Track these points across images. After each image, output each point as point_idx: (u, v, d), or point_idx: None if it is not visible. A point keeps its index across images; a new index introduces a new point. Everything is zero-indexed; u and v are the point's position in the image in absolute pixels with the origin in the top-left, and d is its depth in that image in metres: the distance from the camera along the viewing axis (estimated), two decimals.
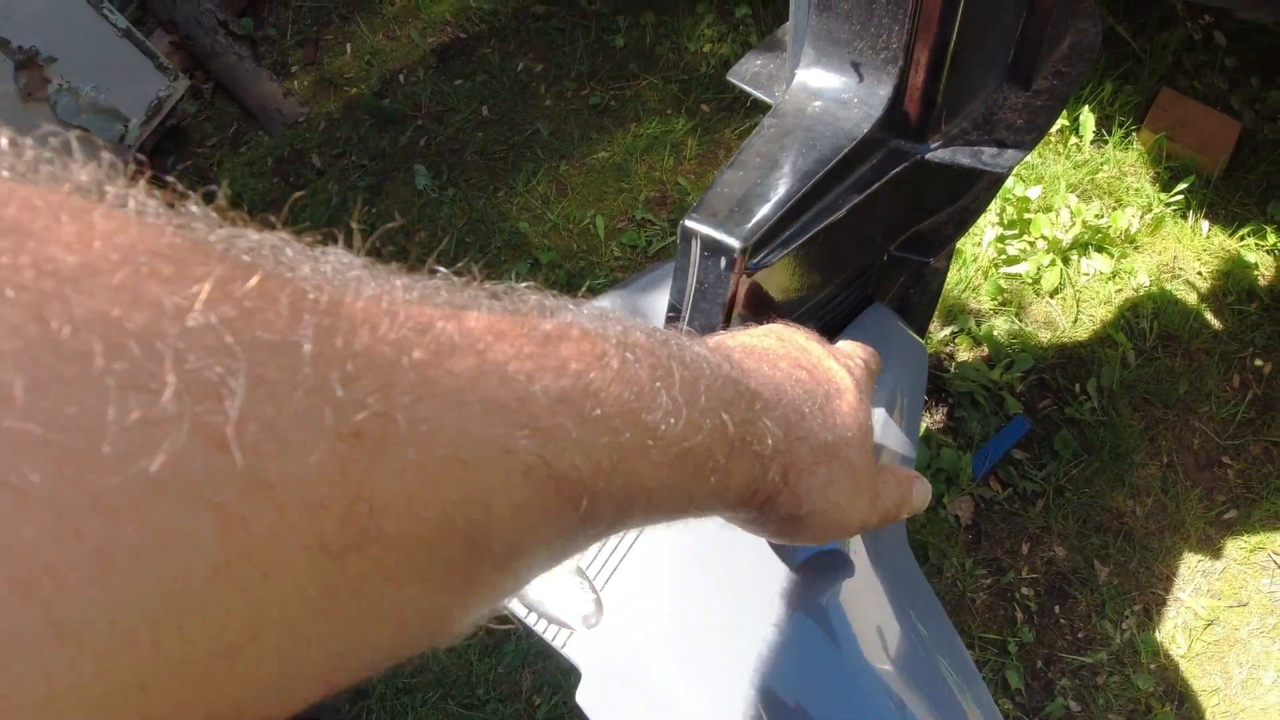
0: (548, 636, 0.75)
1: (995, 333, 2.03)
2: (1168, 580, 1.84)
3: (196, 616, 0.18)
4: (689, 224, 0.68)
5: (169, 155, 2.97)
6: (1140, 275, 2.07)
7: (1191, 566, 1.85)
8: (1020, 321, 2.05)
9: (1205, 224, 2.12)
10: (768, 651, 0.68)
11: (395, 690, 1.97)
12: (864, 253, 0.87)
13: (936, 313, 2.09)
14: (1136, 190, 2.17)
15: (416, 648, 0.26)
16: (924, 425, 1.96)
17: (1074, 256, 2.09)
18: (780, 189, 0.70)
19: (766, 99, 0.91)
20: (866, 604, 0.73)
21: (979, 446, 1.92)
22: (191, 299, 0.19)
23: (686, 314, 0.72)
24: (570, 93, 2.65)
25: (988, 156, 0.82)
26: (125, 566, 0.17)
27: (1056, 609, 1.83)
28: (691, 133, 2.48)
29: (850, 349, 0.57)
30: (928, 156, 0.81)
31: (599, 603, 0.70)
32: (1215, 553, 1.87)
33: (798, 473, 0.42)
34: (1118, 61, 2.33)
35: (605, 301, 0.92)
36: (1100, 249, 2.09)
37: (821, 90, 0.78)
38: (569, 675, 1.92)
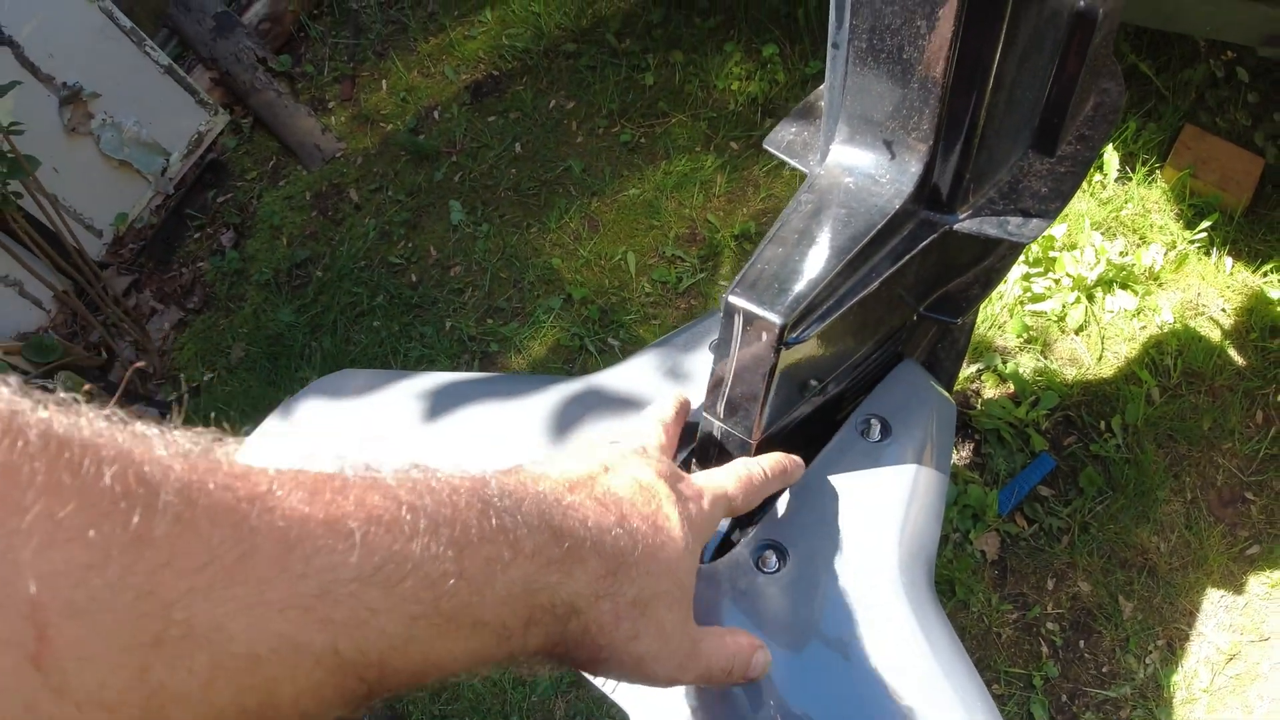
0: (596, 680, 0.80)
1: (1021, 370, 2.06)
2: (1191, 615, 1.86)
3: None
4: (732, 300, 0.73)
5: (210, 188, 3.06)
6: (1164, 312, 2.10)
7: (1214, 601, 1.87)
8: (1046, 359, 2.09)
9: (1229, 260, 2.15)
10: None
11: (431, 716, 2.02)
12: (894, 315, 0.92)
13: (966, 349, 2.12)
14: (1160, 227, 2.20)
15: None
16: (951, 462, 1.99)
17: (1099, 294, 2.12)
18: (818, 265, 0.75)
19: (801, 168, 0.96)
20: (891, 641, 0.77)
21: (1005, 483, 1.95)
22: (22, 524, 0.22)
23: (728, 384, 0.78)
24: (601, 130, 2.72)
25: (1013, 226, 0.87)
26: None
27: (1081, 644, 1.85)
28: (720, 170, 2.54)
29: (719, 482, 0.60)
30: (956, 227, 0.86)
31: None
32: (1238, 588, 1.88)
33: (599, 627, 0.43)
34: (1141, 99, 2.37)
35: (647, 357, 0.97)
36: (1125, 286, 2.12)
37: (854, 167, 0.83)
38: (600, 704, 1.96)
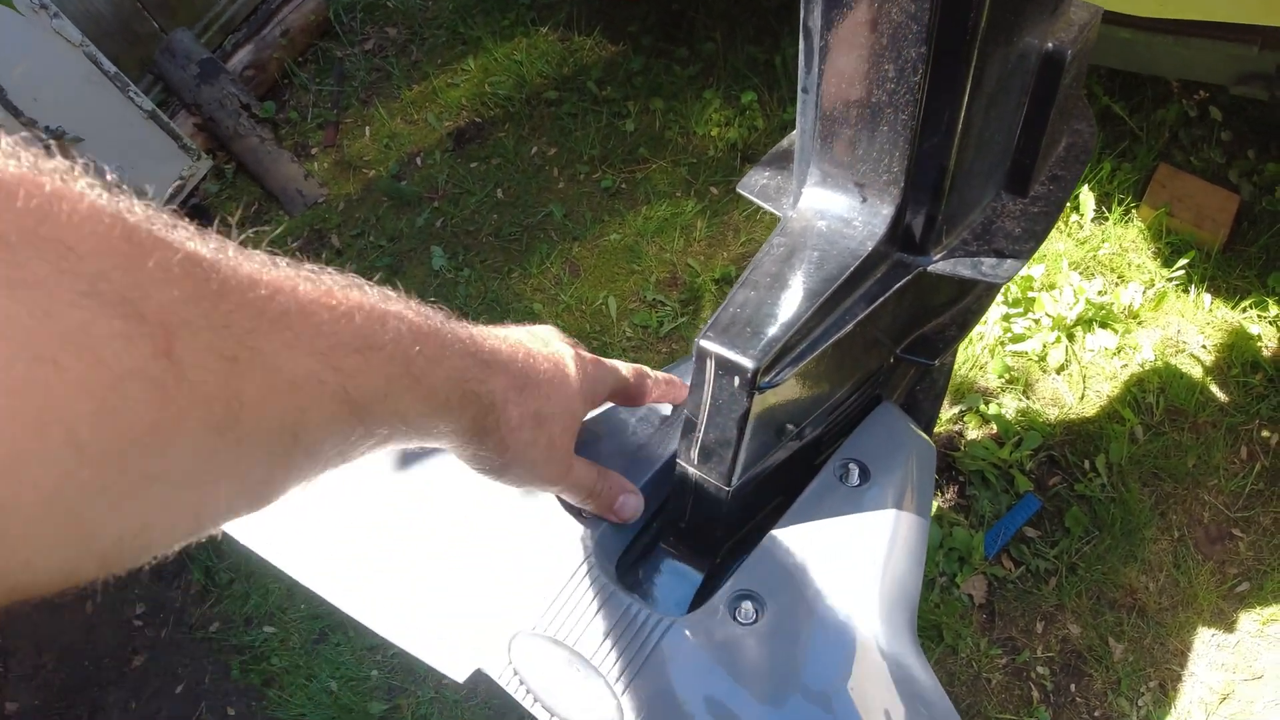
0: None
1: (1004, 411, 2.05)
2: (1182, 655, 1.84)
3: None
4: (704, 344, 0.72)
5: None
6: (1145, 350, 2.10)
7: (1205, 641, 1.85)
8: (1028, 399, 2.08)
9: (1208, 297, 2.16)
10: None
11: None
12: (871, 358, 0.91)
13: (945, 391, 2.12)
14: (1139, 266, 2.22)
15: (248, 506, 0.38)
16: (935, 504, 1.98)
17: (1079, 333, 2.12)
18: (790, 308, 0.74)
19: (774, 211, 0.95)
20: (874, 691, 0.75)
21: (990, 525, 1.93)
22: (170, 259, 0.32)
23: (701, 427, 0.76)
24: (582, 176, 2.74)
25: (987, 267, 0.86)
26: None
27: (1073, 687, 1.82)
28: (701, 215, 2.55)
29: (614, 362, 0.75)
30: (930, 268, 0.85)
31: (620, 708, 0.72)
32: (1229, 626, 1.86)
33: (508, 426, 0.57)
34: (1115, 140, 2.40)
35: (611, 407, 0.96)
36: (1104, 325, 2.12)
37: (826, 210, 0.82)
38: None
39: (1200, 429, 2.03)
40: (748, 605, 0.76)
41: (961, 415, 2.07)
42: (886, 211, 0.81)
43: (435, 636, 0.80)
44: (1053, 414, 2.06)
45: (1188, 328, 2.14)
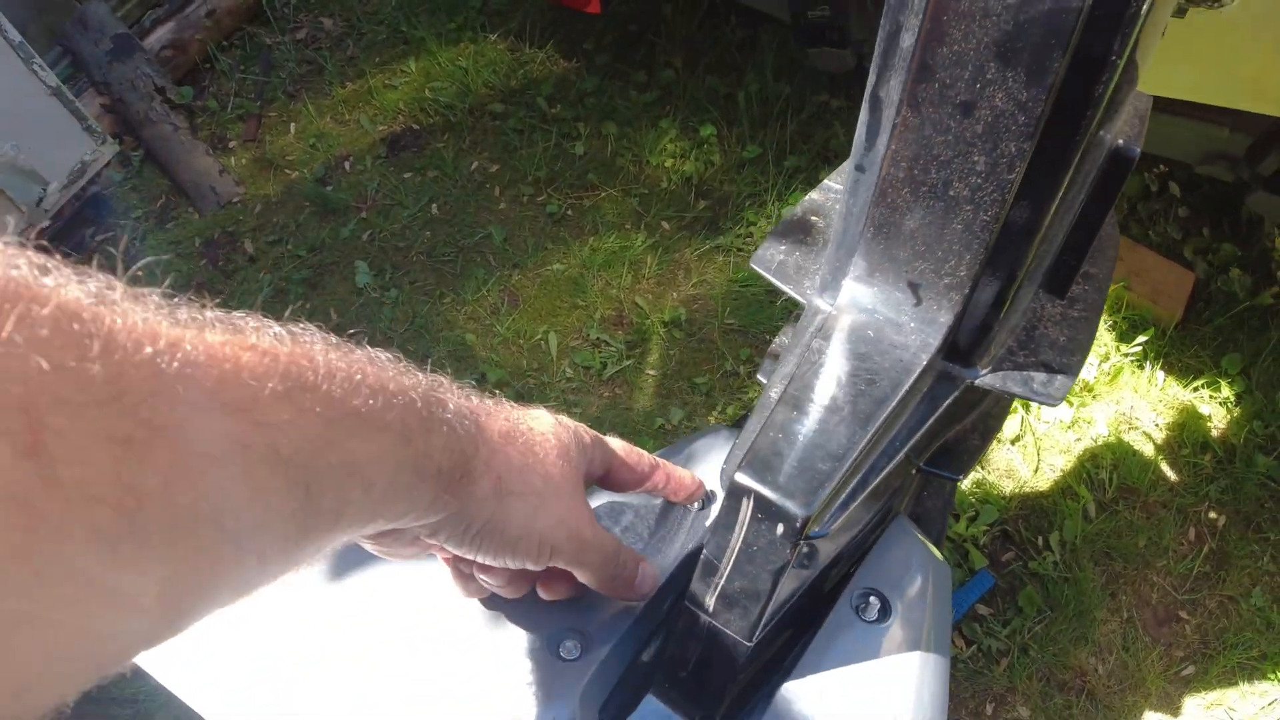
0: None
1: (960, 484, 1.98)
2: None
3: None
4: (741, 480, 0.58)
5: (88, 225, 2.78)
6: (1099, 424, 2.06)
7: None
8: (983, 470, 2.02)
9: (1161, 375, 2.14)
10: None
11: None
12: (898, 478, 0.79)
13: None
14: (1096, 339, 2.18)
15: (163, 631, 0.30)
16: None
17: (1034, 404, 2.07)
18: (841, 439, 0.62)
19: (796, 296, 0.83)
20: None
21: None
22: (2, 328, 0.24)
23: (725, 573, 0.62)
24: (526, 198, 2.58)
25: (1038, 385, 0.75)
26: None
27: None
28: (651, 250, 2.42)
29: (603, 437, 0.64)
30: (977, 382, 0.74)
31: None
32: (1174, 710, 1.83)
33: (497, 466, 0.50)
34: None
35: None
36: None
37: (874, 308, 0.70)
38: None
39: (1151, 509, 2.00)
40: None
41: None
42: (944, 319, 0.69)
43: None
44: (1007, 487, 2.00)
45: (1140, 404, 2.12)
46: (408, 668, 0.69)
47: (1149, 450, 2.06)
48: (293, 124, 2.90)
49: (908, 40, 0.58)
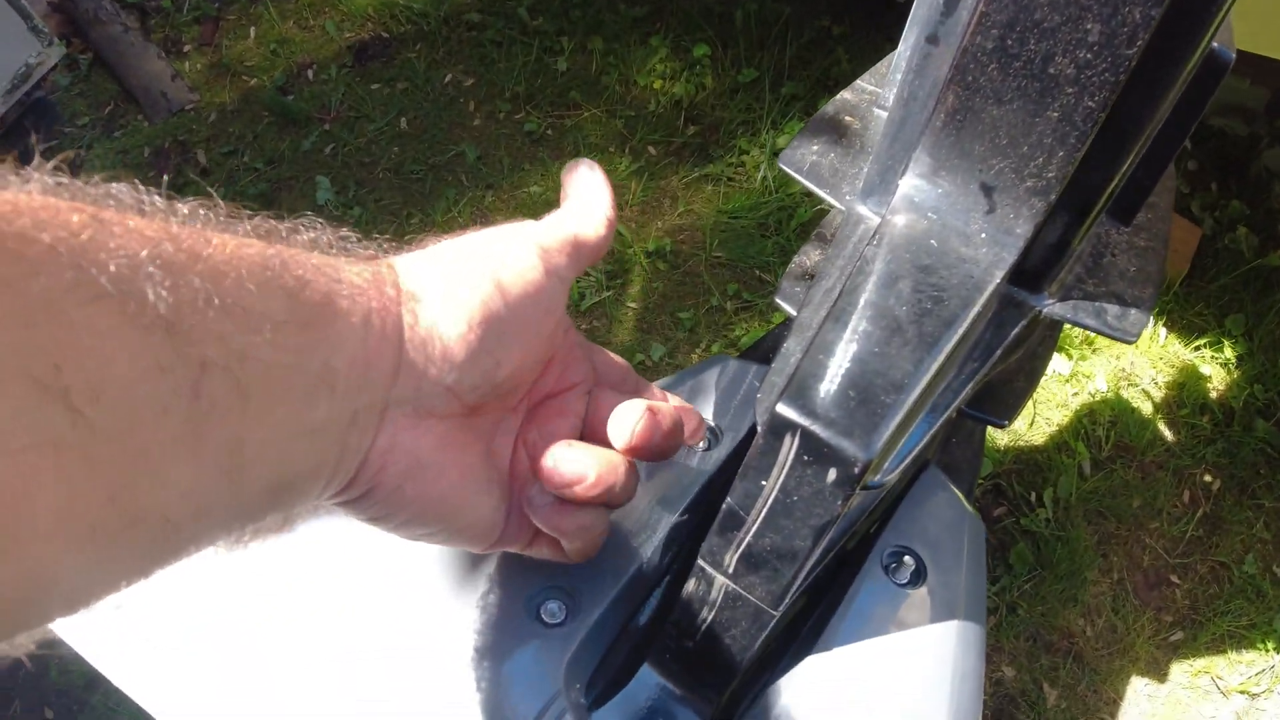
0: None
1: None
2: (1114, 704, 1.74)
3: None
4: (786, 413, 0.46)
5: (32, 132, 2.58)
6: (1098, 379, 1.98)
7: (1138, 690, 1.76)
8: None
9: (1163, 331, 2.05)
10: None
11: None
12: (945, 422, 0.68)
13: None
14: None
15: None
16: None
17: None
18: (905, 365, 0.50)
19: (832, 201, 0.70)
20: None
21: None
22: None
23: (752, 530, 0.51)
24: (503, 114, 2.41)
25: (1112, 318, 0.63)
26: None
27: None
28: (635, 175, 2.27)
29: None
30: (1045, 311, 0.62)
31: None
32: (1161, 676, 1.78)
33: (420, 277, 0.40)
34: None
35: None
36: (1060, 349, 1.99)
37: (938, 218, 0.57)
38: None
39: (1147, 469, 1.92)
40: None
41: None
42: (1022, 230, 0.56)
43: None
44: (1002, 440, 1.92)
45: (1141, 361, 2.03)
46: (363, 642, 0.57)
47: (1147, 408, 1.98)
48: (252, 28, 2.70)
49: None
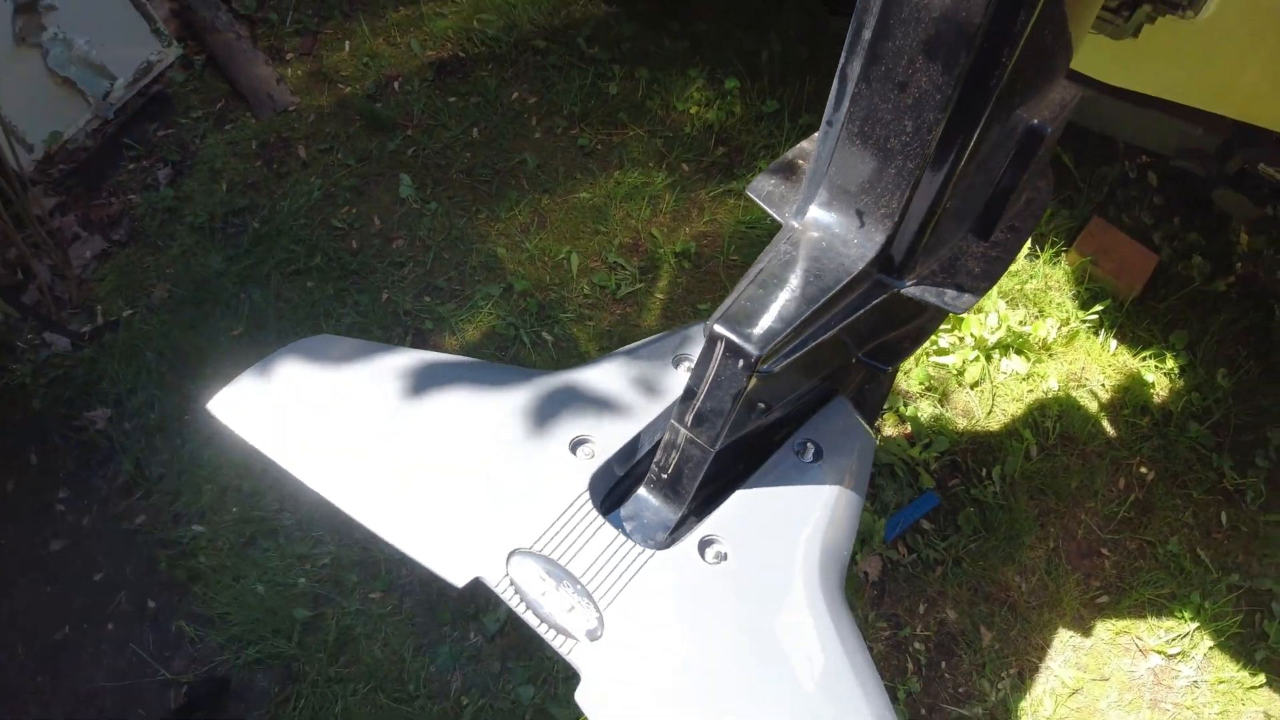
0: (552, 642, 0.90)
1: (919, 414, 2.25)
2: (1042, 650, 2.08)
3: None
4: (716, 329, 0.84)
5: (152, 121, 3.00)
6: (1051, 380, 2.32)
7: (1064, 640, 2.09)
8: (942, 407, 2.28)
9: (1114, 342, 2.39)
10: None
11: (327, 679, 2.07)
12: (839, 356, 1.05)
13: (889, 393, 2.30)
14: (1058, 304, 2.43)
15: None
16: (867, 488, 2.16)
17: (996, 355, 2.33)
18: (790, 309, 0.87)
19: (777, 217, 1.08)
20: (811, 629, 0.90)
21: (892, 513, 2.13)
22: None
23: (700, 399, 0.89)
24: (560, 130, 2.81)
25: (949, 298, 1.00)
26: None
27: (943, 664, 2.04)
28: (670, 188, 2.66)
29: None
30: (903, 291, 0.99)
31: (601, 621, 0.85)
32: (1086, 631, 2.11)
33: None
34: (1059, 187, 2.59)
35: (613, 364, 1.08)
36: (1019, 352, 2.33)
37: (829, 228, 0.95)
38: (499, 679, 2.04)
39: (1087, 456, 2.26)
40: (716, 548, 0.90)
41: (881, 416, 2.26)
42: (879, 238, 0.94)
43: (437, 544, 0.91)
44: (962, 424, 2.27)
45: (1091, 366, 2.37)
46: (462, 441, 0.96)
47: (1093, 407, 2.32)
48: (347, 42, 3.10)
49: (866, 34, 0.82)
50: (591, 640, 0.84)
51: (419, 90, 2.95)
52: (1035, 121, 0.95)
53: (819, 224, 0.96)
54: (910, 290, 1.01)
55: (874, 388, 1.25)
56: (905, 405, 2.26)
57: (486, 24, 3.03)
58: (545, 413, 1.00)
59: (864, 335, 1.08)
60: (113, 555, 2.30)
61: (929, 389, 2.30)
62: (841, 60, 0.88)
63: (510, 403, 1.01)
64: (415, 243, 2.63)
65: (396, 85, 2.98)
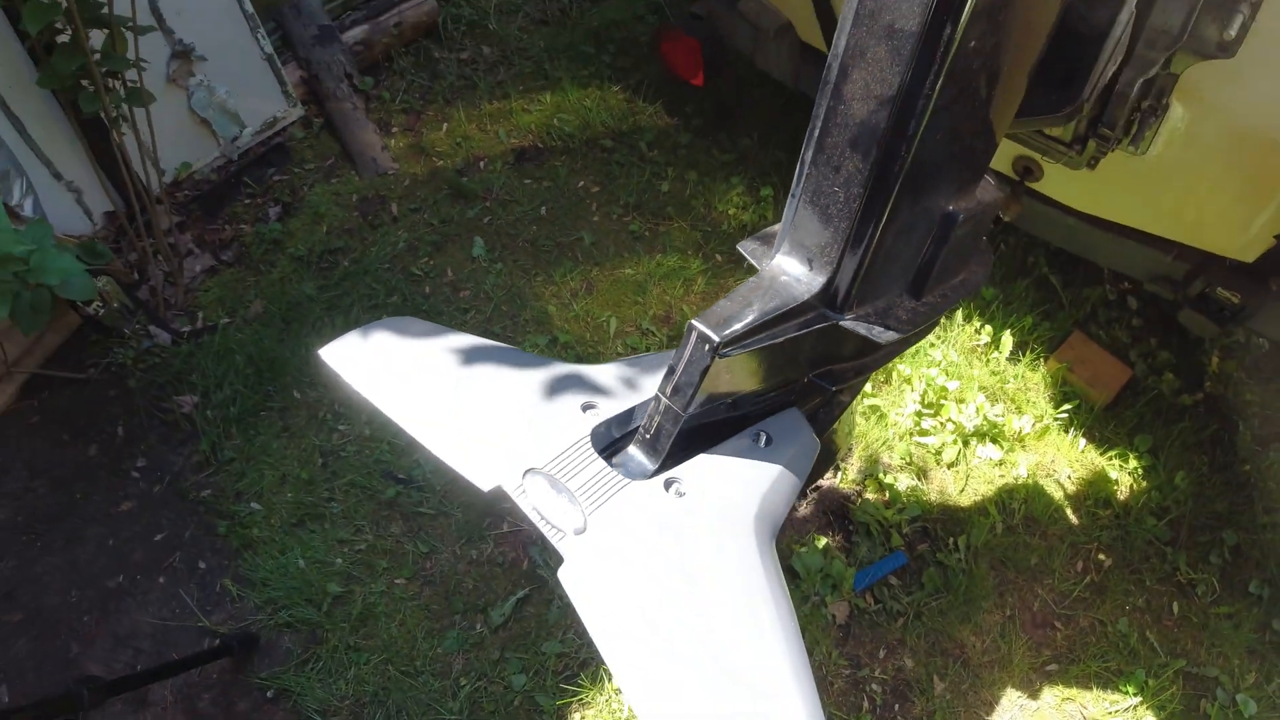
0: (547, 533, 1.22)
1: (897, 484, 2.54)
2: (990, 705, 2.29)
3: None
4: (694, 322, 1.19)
5: (270, 166, 3.47)
6: (1021, 467, 2.60)
7: (1012, 699, 2.31)
8: (919, 480, 2.57)
9: (1083, 440, 2.67)
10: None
11: (346, 647, 2.36)
12: (792, 370, 1.39)
13: (857, 457, 2.60)
14: (1034, 403, 2.73)
15: None
16: (824, 541, 2.45)
17: (973, 441, 2.62)
18: (750, 317, 1.22)
19: (755, 264, 1.44)
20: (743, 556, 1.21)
21: (863, 566, 2.40)
22: None
23: (678, 374, 1.24)
24: (615, 216, 3.23)
25: (875, 332, 1.34)
26: None
27: (897, 707, 2.27)
28: (703, 273, 3.05)
29: None
30: (841, 323, 1.34)
31: (586, 521, 1.18)
32: (1034, 694, 2.31)
33: None
34: (1045, 301, 2.93)
35: (620, 365, 1.43)
36: (995, 440, 2.62)
37: (787, 270, 1.30)
38: (496, 666, 2.33)
39: (1049, 538, 2.52)
40: (677, 487, 1.22)
41: (864, 479, 2.56)
42: (821, 279, 1.29)
43: (474, 460, 1.26)
44: (935, 497, 2.55)
45: (1060, 460, 2.65)
46: (499, 392, 1.31)
47: (1059, 495, 2.58)
48: (445, 124, 3.60)
49: (815, 130, 1.19)
50: (576, 534, 1.17)
51: (500, 170, 3.41)
52: (950, 208, 1.31)
53: (780, 268, 1.32)
54: (846, 322, 1.36)
55: (826, 411, 1.58)
56: (885, 474, 2.56)
57: (564, 122, 3.52)
58: (564, 384, 1.35)
59: (814, 357, 1.42)
60: (176, 520, 2.63)
61: (908, 464, 2.60)
62: (802, 149, 1.25)
63: (539, 373, 1.36)
64: (480, 294, 3.03)
65: (482, 165, 3.45)
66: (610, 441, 1.33)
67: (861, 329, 1.37)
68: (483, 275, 3.08)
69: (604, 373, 1.42)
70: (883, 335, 1.38)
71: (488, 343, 1.45)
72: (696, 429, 1.30)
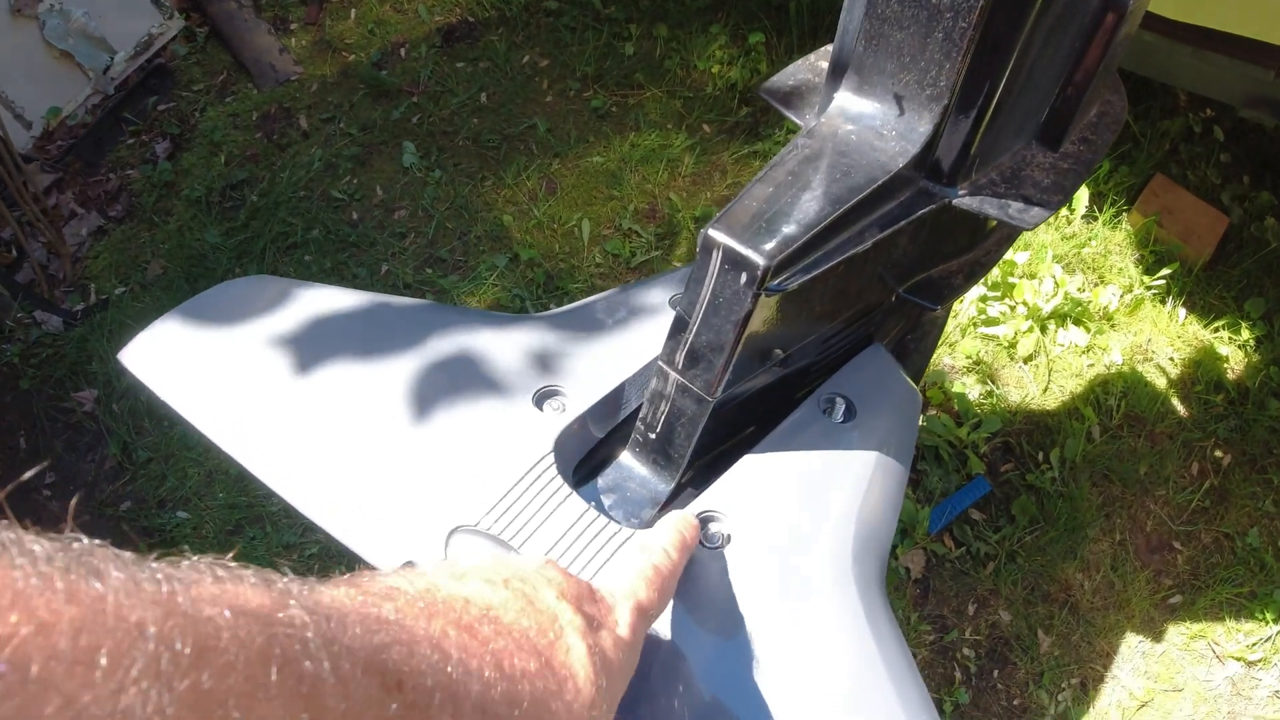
0: None
1: (967, 391, 2.02)
2: (1107, 657, 1.85)
3: None
4: (713, 233, 0.64)
5: (152, 94, 2.88)
6: (1114, 353, 2.09)
7: (1132, 646, 1.86)
8: (992, 383, 2.05)
9: (1183, 311, 2.15)
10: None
11: None
12: (874, 290, 0.85)
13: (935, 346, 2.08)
14: (1120, 270, 2.19)
15: None
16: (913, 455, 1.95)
17: (1051, 326, 2.10)
18: (810, 211, 0.67)
19: (796, 120, 0.88)
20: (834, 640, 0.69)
21: (938, 501, 1.91)
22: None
23: (693, 331, 0.69)
24: (572, 93, 2.62)
25: (1014, 211, 0.80)
26: None
27: (995, 673, 1.82)
28: (689, 150, 2.46)
29: (630, 590, 0.51)
30: (955, 201, 0.79)
31: None
32: (1157, 635, 1.88)
33: None
34: (1118, 142, 2.35)
35: (594, 304, 0.89)
36: (1078, 322, 2.10)
37: (860, 117, 0.75)
38: None
39: (1156, 438, 2.02)
40: (716, 528, 0.70)
41: (924, 389, 2.04)
42: (924, 129, 0.74)
43: (366, 521, 0.73)
44: (1014, 401, 2.04)
45: (1159, 338, 2.13)
46: (404, 395, 0.77)
47: (1161, 383, 2.08)
48: (353, 10, 2.96)
49: None
50: None
51: (426, 56, 2.79)
52: None
53: (847, 114, 0.76)
54: (964, 201, 0.81)
55: (918, 336, 1.04)
56: (950, 381, 2.04)
57: None
58: (508, 360, 0.81)
59: (906, 264, 0.87)
60: None
61: (977, 363, 2.08)
62: None
63: (467, 349, 0.82)
64: (418, 212, 2.46)
65: (403, 52, 2.83)
66: (588, 453, 0.80)
67: (992, 209, 0.83)
68: (419, 188, 2.50)
69: (570, 323, 0.88)
70: (1027, 216, 0.83)
71: (380, 300, 0.90)
72: (729, 412, 0.76)
